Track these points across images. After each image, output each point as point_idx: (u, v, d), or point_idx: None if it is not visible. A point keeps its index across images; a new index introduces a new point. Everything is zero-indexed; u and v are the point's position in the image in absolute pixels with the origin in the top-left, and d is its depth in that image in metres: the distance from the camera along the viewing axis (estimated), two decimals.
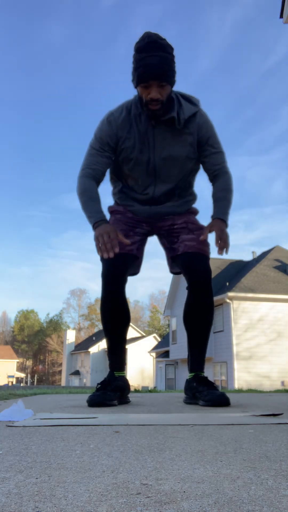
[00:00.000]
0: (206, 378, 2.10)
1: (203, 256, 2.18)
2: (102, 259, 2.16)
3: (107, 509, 0.51)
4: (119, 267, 2.13)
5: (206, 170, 2.25)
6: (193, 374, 2.14)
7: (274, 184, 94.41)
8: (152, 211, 2.23)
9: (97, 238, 1.99)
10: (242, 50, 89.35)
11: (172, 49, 1.98)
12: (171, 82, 1.99)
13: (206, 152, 2.17)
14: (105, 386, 2.01)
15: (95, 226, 2.03)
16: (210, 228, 2.10)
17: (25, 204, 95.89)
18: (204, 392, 1.98)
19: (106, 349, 2.23)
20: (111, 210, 2.32)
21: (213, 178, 2.25)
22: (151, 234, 2.33)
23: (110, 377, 2.07)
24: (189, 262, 2.17)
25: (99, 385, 2.03)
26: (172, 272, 2.40)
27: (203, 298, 2.15)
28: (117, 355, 2.14)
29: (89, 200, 2.10)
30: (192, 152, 2.14)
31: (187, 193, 2.28)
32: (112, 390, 1.98)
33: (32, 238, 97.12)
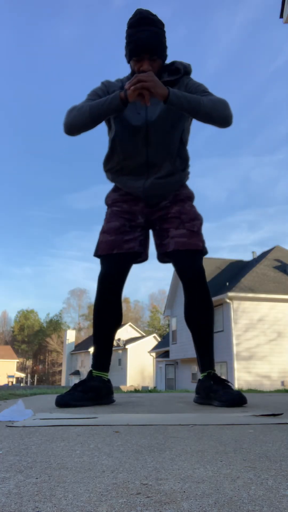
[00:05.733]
0: (219, 377, 2.06)
1: (195, 252, 2.12)
2: (102, 260, 2.15)
3: (107, 509, 0.51)
4: (118, 269, 2.12)
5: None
6: (205, 373, 2.10)
7: (278, 184, 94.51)
8: (147, 186, 2.14)
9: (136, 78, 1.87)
10: (250, 50, 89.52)
11: (162, 24, 2.06)
12: (162, 56, 2.06)
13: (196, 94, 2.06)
14: (76, 386, 2.00)
15: (121, 93, 1.92)
16: None
17: (28, 204, 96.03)
18: (220, 392, 1.93)
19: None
20: (107, 202, 2.29)
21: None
22: (147, 227, 2.27)
23: (87, 377, 2.06)
24: (180, 262, 2.13)
25: (73, 385, 2.03)
26: (161, 261, 2.30)
27: (199, 295, 2.12)
28: (100, 355, 2.12)
29: (94, 101, 2.00)
30: None
31: (182, 156, 2.18)
32: (83, 391, 1.96)
33: (35, 238, 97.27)
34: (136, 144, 2.10)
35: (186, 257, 2.12)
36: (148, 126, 2.06)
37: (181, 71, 2.13)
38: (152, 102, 2.01)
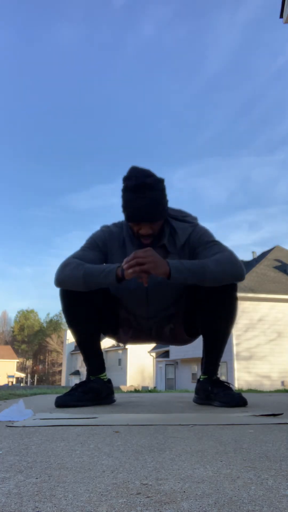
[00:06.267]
0: (220, 380, 2.04)
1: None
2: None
3: (107, 509, 0.51)
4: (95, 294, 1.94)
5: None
6: (206, 376, 2.07)
7: (278, 184, 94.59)
8: (150, 324, 2.11)
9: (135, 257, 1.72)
10: (250, 50, 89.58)
11: (161, 182, 1.87)
12: (162, 217, 1.89)
13: (199, 249, 1.91)
14: (76, 387, 2.00)
15: (118, 270, 1.78)
16: None
17: (29, 204, 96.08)
18: (221, 394, 1.92)
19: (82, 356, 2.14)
20: None
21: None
22: None
23: (86, 379, 2.05)
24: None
25: (73, 386, 2.03)
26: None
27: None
28: (91, 359, 2.07)
29: (90, 266, 1.86)
30: None
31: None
32: (83, 392, 1.96)
33: (35, 238, 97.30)
34: (134, 303, 2.02)
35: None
36: (148, 289, 1.92)
37: (194, 222, 2.00)
38: None
